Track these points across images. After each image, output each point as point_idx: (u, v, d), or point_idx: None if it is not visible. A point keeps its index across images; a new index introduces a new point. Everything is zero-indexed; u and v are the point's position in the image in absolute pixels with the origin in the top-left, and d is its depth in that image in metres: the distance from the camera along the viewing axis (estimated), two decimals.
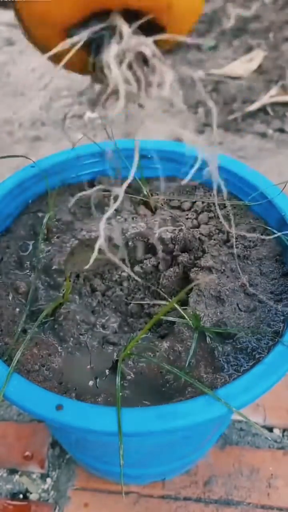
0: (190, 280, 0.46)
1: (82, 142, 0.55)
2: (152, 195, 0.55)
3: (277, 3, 1.68)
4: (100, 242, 0.26)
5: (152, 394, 0.38)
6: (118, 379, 0.37)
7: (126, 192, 0.32)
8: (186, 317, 0.40)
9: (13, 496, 0.62)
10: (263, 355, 0.39)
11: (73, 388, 0.39)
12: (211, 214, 0.54)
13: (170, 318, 0.42)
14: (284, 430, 0.67)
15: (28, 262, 0.48)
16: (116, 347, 0.42)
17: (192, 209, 0.55)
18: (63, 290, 0.46)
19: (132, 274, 0.34)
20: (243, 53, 1.48)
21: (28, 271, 0.48)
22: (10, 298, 0.45)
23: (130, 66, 0.25)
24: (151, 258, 0.51)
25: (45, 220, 0.49)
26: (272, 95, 1.31)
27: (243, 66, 1.41)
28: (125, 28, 0.24)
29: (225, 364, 0.39)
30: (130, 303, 0.49)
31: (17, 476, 0.64)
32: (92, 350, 0.42)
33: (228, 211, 0.53)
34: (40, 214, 0.53)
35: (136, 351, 0.40)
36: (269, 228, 0.50)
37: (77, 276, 0.50)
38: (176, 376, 0.38)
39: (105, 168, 0.57)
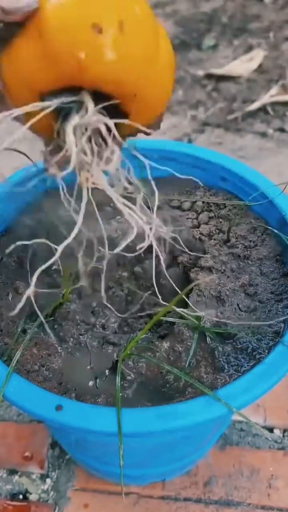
0: (190, 280, 0.46)
1: None
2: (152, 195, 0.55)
3: (277, 3, 1.68)
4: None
5: (152, 395, 0.38)
6: (118, 379, 0.37)
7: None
8: (189, 316, 0.40)
9: (13, 496, 0.62)
10: (263, 355, 0.39)
11: (73, 388, 0.39)
12: (211, 214, 0.54)
13: (170, 319, 0.42)
14: (284, 431, 0.67)
15: (28, 262, 0.48)
16: (116, 347, 0.42)
17: (192, 209, 0.55)
18: (63, 290, 0.45)
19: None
20: (243, 53, 1.48)
21: (28, 271, 0.48)
22: (10, 298, 0.45)
23: (89, 139, 0.28)
24: (151, 258, 0.51)
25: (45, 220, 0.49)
26: (272, 94, 1.30)
27: (243, 65, 1.41)
28: (90, 106, 0.27)
29: (225, 364, 0.39)
30: (130, 302, 0.48)
31: (16, 477, 0.64)
32: (92, 350, 0.42)
33: (228, 211, 0.53)
34: (40, 214, 0.53)
35: (136, 351, 0.40)
36: (270, 228, 0.50)
37: (77, 276, 0.50)
38: (176, 376, 0.38)
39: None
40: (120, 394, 0.36)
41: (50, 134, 0.29)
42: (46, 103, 0.26)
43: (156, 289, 0.48)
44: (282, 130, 1.23)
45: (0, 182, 0.53)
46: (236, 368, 0.39)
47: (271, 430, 0.67)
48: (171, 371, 0.38)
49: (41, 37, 0.25)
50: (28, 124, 0.27)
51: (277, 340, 0.40)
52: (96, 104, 0.27)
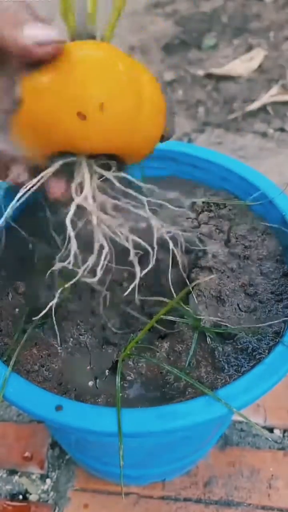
0: (191, 280, 0.46)
1: None
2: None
3: (278, 2, 1.68)
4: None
5: (152, 395, 0.38)
6: (118, 379, 0.37)
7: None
8: (189, 315, 0.40)
9: (13, 497, 0.62)
10: (263, 356, 0.39)
11: (73, 388, 0.39)
12: (211, 214, 0.53)
13: (171, 318, 0.42)
14: (284, 431, 0.67)
15: (28, 262, 0.48)
16: (116, 347, 0.42)
17: (192, 209, 0.55)
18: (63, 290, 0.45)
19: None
20: (244, 52, 1.48)
21: (28, 271, 0.48)
22: (10, 298, 0.45)
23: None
24: (151, 258, 0.51)
25: (45, 220, 0.49)
26: (273, 94, 1.30)
27: (244, 65, 1.41)
28: (86, 178, 0.31)
29: (225, 364, 0.39)
30: (131, 302, 0.48)
31: (16, 477, 0.64)
32: (92, 350, 0.42)
33: (228, 211, 0.53)
34: (40, 214, 0.52)
35: (136, 351, 0.40)
36: (270, 228, 0.50)
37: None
38: (176, 377, 0.38)
39: None
40: (120, 394, 0.36)
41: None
42: (50, 170, 0.31)
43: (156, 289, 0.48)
44: (282, 130, 1.23)
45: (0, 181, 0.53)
46: (236, 368, 0.39)
47: (271, 430, 0.67)
48: (171, 371, 0.38)
49: (34, 119, 0.29)
50: (41, 180, 0.31)
51: (277, 340, 0.40)
52: (95, 158, 0.31)
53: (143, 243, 0.35)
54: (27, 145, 0.30)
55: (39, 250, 0.49)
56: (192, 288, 0.44)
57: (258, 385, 0.36)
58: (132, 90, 0.30)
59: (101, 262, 0.33)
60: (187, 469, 0.62)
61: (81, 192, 0.31)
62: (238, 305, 0.43)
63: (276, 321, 0.41)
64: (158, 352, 0.40)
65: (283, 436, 0.67)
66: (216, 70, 1.40)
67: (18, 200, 0.32)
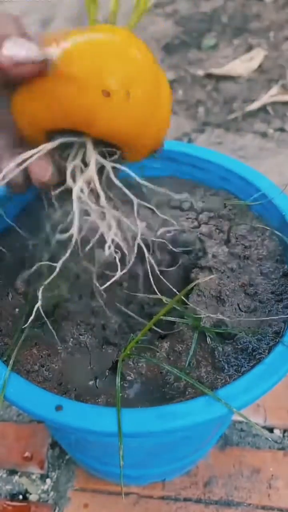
0: (191, 280, 0.46)
1: None
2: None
3: (277, 2, 1.68)
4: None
5: (152, 395, 0.38)
6: (118, 379, 0.37)
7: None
8: (189, 315, 0.40)
9: (13, 497, 0.62)
10: (263, 356, 0.39)
11: (73, 388, 0.39)
12: (211, 214, 0.54)
13: (171, 318, 0.42)
14: (284, 431, 0.67)
15: (28, 262, 0.48)
16: (116, 347, 0.42)
17: (192, 209, 0.55)
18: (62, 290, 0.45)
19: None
20: (244, 52, 1.48)
21: (28, 271, 0.48)
22: (10, 298, 0.45)
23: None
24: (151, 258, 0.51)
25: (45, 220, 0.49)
26: (273, 94, 1.30)
27: (244, 65, 1.41)
28: (92, 155, 0.30)
29: (225, 364, 0.39)
30: (131, 303, 0.48)
31: (16, 477, 0.64)
32: (92, 350, 0.42)
33: (228, 211, 0.53)
34: (40, 214, 0.52)
35: (136, 351, 0.40)
36: (270, 228, 0.50)
37: (77, 276, 0.50)
38: (177, 377, 0.38)
39: None
40: (120, 394, 0.36)
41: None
42: (50, 144, 0.30)
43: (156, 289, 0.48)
44: (282, 130, 1.23)
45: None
46: (236, 368, 0.39)
47: (271, 430, 0.67)
48: (171, 371, 0.38)
49: (57, 92, 0.28)
50: (36, 155, 0.30)
51: (277, 340, 0.40)
52: (95, 145, 0.31)
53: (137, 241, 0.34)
54: (32, 116, 0.30)
55: (39, 249, 0.49)
56: (192, 288, 0.44)
57: (258, 385, 0.36)
58: (155, 91, 0.30)
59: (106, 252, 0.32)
60: (187, 469, 0.62)
61: (74, 178, 0.30)
62: (238, 305, 0.43)
63: (276, 321, 0.41)
64: (158, 352, 0.40)
65: (283, 436, 0.67)
66: (216, 70, 1.40)
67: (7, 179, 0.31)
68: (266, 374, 0.36)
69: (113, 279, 0.33)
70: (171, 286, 0.41)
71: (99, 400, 0.37)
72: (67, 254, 0.33)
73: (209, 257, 0.48)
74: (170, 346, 0.41)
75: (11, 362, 0.38)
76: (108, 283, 0.33)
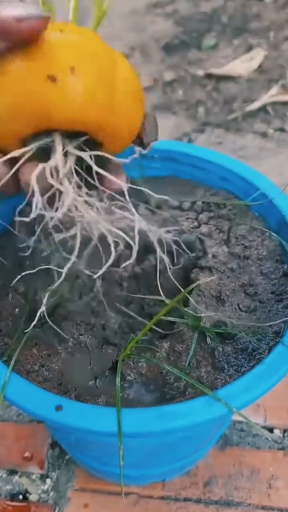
0: (191, 280, 0.46)
1: None
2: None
3: (278, 2, 1.68)
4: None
5: (152, 395, 0.38)
6: (118, 379, 0.37)
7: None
8: (189, 314, 0.40)
9: (13, 496, 0.62)
10: (263, 356, 0.39)
11: (73, 388, 0.39)
12: (211, 214, 0.54)
13: (171, 318, 0.42)
14: (284, 431, 0.67)
15: (28, 262, 0.48)
16: (116, 347, 0.42)
17: (192, 209, 0.55)
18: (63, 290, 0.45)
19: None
20: (244, 52, 1.48)
21: (27, 271, 0.48)
22: (10, 298, 0.45)
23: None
24: (151, 258, 0.51)
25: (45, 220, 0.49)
26: (273, 94, 1.30)
27: (244, 65, 1.41)
28: (58, 149, 0.29)
29: (225, 364, 0.39)
30: (131, 303, 0.48)
31: (16, 477, 0.64)
32: (92, 350, 0.42)
33: (228, 211, 0.53)
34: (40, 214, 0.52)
35: (136, 351, 0.40)
36: (270, 228, 0.50)
37: (77, 276, 0.50)
38: (177, 377, 0.38)
39: None
40: (120, 394, 0.36)
41: None
42: (25, 149, 0.29)
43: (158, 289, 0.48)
44: (282, 130, 1.23)
45: None
46: (236, 368, 0.39)
47: (271, 430, 0.67)
48: (171, 371, 0.38)
49: (4, 91, 0.28)
50: (14, 168, 0.29)
51: (277, 340, 0.40)
52: (70, 139, 0.30)
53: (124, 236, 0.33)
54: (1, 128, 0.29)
55: (38, 249, 0.49)
56: (192, 288, 0.44)
57: (258, 385, 0.36)
58: (104, 63, 0.30)
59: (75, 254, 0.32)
60: (187, 469, 0.62)
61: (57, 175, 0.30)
62: (238, 305, 0.43)
63: (276, 321, 0.41)
64: (158, 352, 0.40)
65: (283, 436, 0.67)
66: (216, 70, 1.40)
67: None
68: (266, 374, 0.36)
69: (105, 267, 0.32)
70: (177, 284, 0.41)
71: (99, 400, 0.37)
72: (71, 261, 0.32)
73: (209, 257, 0.48)
74: (170, 346, 0.41)
75: (11, 362, 0.38)
76: (101, 271, 0.33)
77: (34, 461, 0.65)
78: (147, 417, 0.34)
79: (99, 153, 0.30)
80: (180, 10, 1.71)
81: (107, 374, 0.40)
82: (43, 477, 0.64)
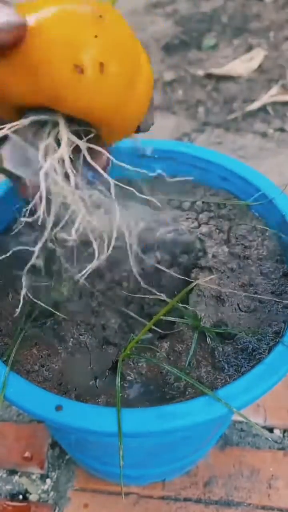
0: (191, 281, 0.46)
1: None
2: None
3: (277, 2, 1.68)
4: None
5: (152, 395, 0.38)
6: (118, 379, 0.37)
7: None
8: (189, 314, 0.40)
9: (13, 496, 0.62)
10: (263, 356, 0.39)
11: (73, 388, 0.39)
12: (211, 214, 0.54)
13: (170, 318, 0.42)
14: (284, 431, 0.67)
15: (28, 262, 0.48)
16: (116, 347, 0.42)
17: (192, 209, 0.55)
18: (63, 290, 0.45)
19: None
20: (244, 52, 1.48)
21: (27, 271, 0.48)
22: (10, 298, 0.45)
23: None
24: (151, 258, 0.51)
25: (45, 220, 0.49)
26: (273, 94, 1.30)
27: (244, 65, 1.41)
28: (63, 132, 0.28)
29: (225, 364, 0.39)
30: (131, 303, 0.48)
31: (16, 477, 0.64)
32: (92, 350, 0.42)
33: (228, 211, 0.53)
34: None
35: (136, 351, 0.40)
36: (270, 228, 0.50)
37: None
38: (177, 377, 0.38)
39: None
40: (120, 394, 0.36)
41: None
42: (24, 120, 0.28)
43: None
44: (282, 130, 1.23)
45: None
46: (236, 368, 0.39)
47: (271, 430, 0.67)
48: (171, 371, 0.38)
49: (27, 64, 0.26)
50: (5, 130, 0.28)
51: (277, 340, 0.40)
52: (70, 123, 0.29)
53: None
54: (2, 91, 0.28)
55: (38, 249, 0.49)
56: (192, 288, 0.44)
57: (258, 385, 0.36)
58: (133, 66, 0.29)
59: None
60: (187, 469, 0.62)
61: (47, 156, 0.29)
62: (238, 305, 0.43)
63: (276, 321, 0.41)
64: (158, 352, 0.40)
65: (283, 436, 0.67)
66: (216, 70, 1.40)
67: None
68: (266, 374, 0.36)
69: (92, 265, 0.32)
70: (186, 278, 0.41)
71: (99, 400, 0.37)
72: (87, 270, 0.32)
73: (209, 257, 0.48)
74: (170, 346, 0.41)
75: (11, 362, 0.38)
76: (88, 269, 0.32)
77: (34, 461, 0.65)
78: (147, 417, 0.34)
79: (96, 147, 0.29)
80: (180, 10, 1.71)
81: (107, 374, 0.40)
82: (43, 477, 0.64)
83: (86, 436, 0.44)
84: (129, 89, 0.29)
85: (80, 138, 0.30)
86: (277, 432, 0.67)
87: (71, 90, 0.26)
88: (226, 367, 0.39)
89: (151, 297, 0.42)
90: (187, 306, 0.43)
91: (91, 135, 0.30)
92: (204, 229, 0.51)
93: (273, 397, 0.70)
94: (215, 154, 0.56)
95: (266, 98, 1.29)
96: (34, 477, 0.64)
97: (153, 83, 0.32)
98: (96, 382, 0.39)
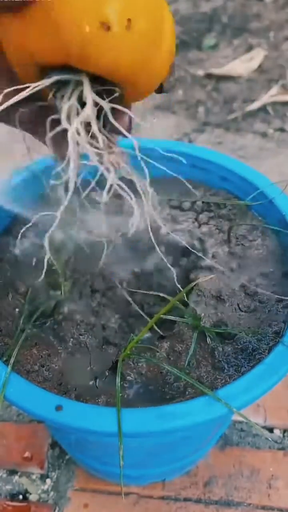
0: (191, 280, 0.46)
1: None
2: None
3: (278, 2, 1.68)
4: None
5: (152, 395, 0.38)
6: (118, 379, 0.37)
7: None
8: (189, 314, 0.40)
9: (13, 496, 0.62)
10: (263, 356, 0.39)
11: (73, 388, 0.39)
12: (211, 214, 0.54)
13: (171, 318, 0.42)
14: (284, 431, 0.67)
15: (28, 262, 0.48)
16: (116, 347, 0.42)
17: (192, 209, 0.55)
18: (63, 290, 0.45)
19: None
20: (244, 52, 1.48)
21: (27, 270, 0.48)
22: (10, 298, 0.45)
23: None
24: (151, 258, 0.51)
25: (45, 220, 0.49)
26: (273, 94, 1.30)
27: (244, 65, 1.41)
28: (89, 100, 0.28)
29: (225, 364, 0.39)
30: (130, 303, 0.48)
31: (16, 477, 0.64)
32: (92, 350, 0.42)
33: (228, 211, 0.53)
34: (40, 213, 0.52)
35: (136, 351, 0.40)
36: (270, 228, 0.50)
37: (77, 275, 0.50)
38: (177, 377, 0.38)
39: None
40: (120, 394, 0.36)
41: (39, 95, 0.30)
42: (47, 80, 0.27)
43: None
44: (282, 130, 1.23)
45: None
46: (236, 368, 0.39)
47: (271, 430, 0.67)
48: (171, 371, 0.38)
49: (51, 20, 0.26)
50: (28, 91, 0.27)
51: (277, 340, 0.40)
52: (92, 83, 0.28)
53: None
54: (23, 46, 0.27)
55: (38, 249, 0.49)
56: (192, 288, 0.44)
57: (258, 385, 0.36)
58: (158, 22, 0.28)
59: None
60: (187, 469, 0.62)
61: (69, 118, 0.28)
62: (238, 305, 0.43)
63: (276, 321, 0.41)
64: (158, 352, 0.40)
65: (283, 436, 0.67)
66: (216, 70, 1.40)
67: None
68: (266, 374, 0.36)
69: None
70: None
71: (99, 400, 0.37)
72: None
73: (209, 257, 0.48)
74: (170, 346, 0.41)
75: (11, 362, 0.38)
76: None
77: (34, 461, 0.65)
78: (147, 417, 0.34)
79: (120, 107, 0.29)
80: (180, 10, 1.71)
81: (107, 374, 0.40)
82: (43, 477, 0.64)
83: (86, 436, 0.44)
84: (154, 46, 0.28)
85: (102, 98, 0.29)
86: (277, 432, 0.67)
87: (98, 47, 0.26)
88: (226, 367, 0.39)
89: (151, 292, 0.42)
90: (187, 301, 0.43)
91: (114, 95, 0.29)
92: (204, 229, 0.51)
93: (273, 397, 0.70)
94: (215, 154, 0.56)
95: (266, 98, 1.29)
96: (34, 477, 0.64)
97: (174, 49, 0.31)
98: (96, 382, 0.39)
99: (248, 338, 0.40)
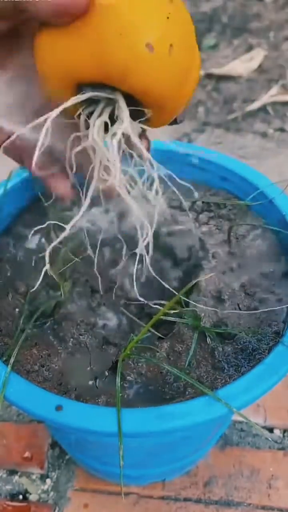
0: (191, 280, 0.46)
1: None
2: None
3: (278, 2, 1.68)
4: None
5: (152, 395, 0.38)
6: (118, 379, 0.37)
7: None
8: (189, 314, 0.40)
9: (13, 496, 0.62)
10: (263, 356, 0.39)
11: (73, 388, 0.39)
12: (211, 214, 0.54)
13: (170, 318, 0.42)
14: (284, 431, 0.67)
15: (28, 262, 0.48)
16: (116, 347, 0.42)
17: (192, 209, 0.55)
18: (63, 290, 0.45)
19: None
20: (244, 52, 1.48)
21: (28, 270, 0.48)
22: (10, 298, 0.45)
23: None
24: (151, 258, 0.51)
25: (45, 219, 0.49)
26: (273, 94, 1.30)
27: (244, 65, 1.41)
28: (125, 115, 0.29)
29: (225, 364, 0.39)
30: (130, 303, 0.48)
31: (16, 477, 0.64)
32: (92, 350, 0.42)
33: (228, 211, 0.53)
34: (40, 213, 0.53)
35: (136, 351, 0.40)
36: (270, 228, 0.50)
37: (78, 275, 0.50)
38: (177, 377, 0.38)
39: None
40: (120, 394, 0.36)
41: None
42: (81, 96, 0.28)
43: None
44: (282, 130, 1.23)
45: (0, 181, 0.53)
46: (236, 368, 0.39)
47: (271, 430, 0.67)
48: (171, 371, 0.38)
49: (97, 36, 0.27)
50: (62, 107, 0.28)
51: (277, 340, 0.40)
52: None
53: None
54: (62, 63, 0.28)
55: (38, 249, 0.49)
56: (192, 288, 0.44)
57: (258, 385, 0.36)
58: (193, 49, 0.30)
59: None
60: (187, 469, 0.62)
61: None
62: (238, 305, 0.43)
63: (276, 321, 0.41)
64: (158, 352, 0.40)
65: (283, 436, 0.67)
66: (216, 70, 1.40)
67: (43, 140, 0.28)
68: (266, 374, 0.36)
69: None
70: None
71: (99, 400, 0.37)
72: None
73: (209, 257, 0.48)
74: (170, 346, 0.41)
75: (11, 362, 0.38)
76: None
77: (34, 461, 0.65)
78: (147, 417, 0.34)
79: (146, 127, 0.31)
80: None
81: (107, 374, 0.40)
82: (43, 477, 0.64)
83: (86, 436, 0.44)
84: (186, 73, 0.30)
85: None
86: (277, 432, 0.67)
87: (139, 67, 0.27)
88: (226, 367, 0.39)
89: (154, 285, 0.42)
90: (188, 300, 0.43)
91: (143, 118, 0.30)
92: (204, 229, 0.51)
93: (273, 397, 0.70)
94: (215, 154, 0.56)
95: (266, 98, 1.29)
96: (34, 477, 0.64)
97: None
98: (96, 382, 0.39)
99: (248, 338, 0.40)
